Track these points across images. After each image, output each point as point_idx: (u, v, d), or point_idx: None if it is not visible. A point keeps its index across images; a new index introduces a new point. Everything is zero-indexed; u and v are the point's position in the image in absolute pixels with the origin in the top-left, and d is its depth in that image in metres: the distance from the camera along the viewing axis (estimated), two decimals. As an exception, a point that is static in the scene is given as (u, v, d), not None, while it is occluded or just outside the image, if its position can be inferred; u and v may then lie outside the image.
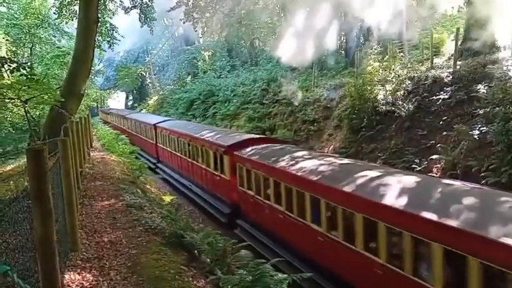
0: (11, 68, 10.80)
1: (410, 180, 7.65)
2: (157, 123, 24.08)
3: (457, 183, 7.50)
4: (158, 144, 23.66)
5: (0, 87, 11.95)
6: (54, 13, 20.73)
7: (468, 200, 6.22)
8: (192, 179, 17.95)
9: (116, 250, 6.45)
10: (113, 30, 21.76)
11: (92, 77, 29.80)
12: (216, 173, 14.82)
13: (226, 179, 13.99)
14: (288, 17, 28.00)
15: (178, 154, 19.61)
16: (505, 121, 10.93)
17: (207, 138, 15.97)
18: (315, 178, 8.98)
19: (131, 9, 20.92)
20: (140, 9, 20.58)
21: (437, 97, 14.55)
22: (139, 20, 21.26)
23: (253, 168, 11.85)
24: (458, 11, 23.55)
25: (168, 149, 21.39)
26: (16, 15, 24.88)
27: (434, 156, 12.90)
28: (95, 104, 52.28)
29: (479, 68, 14.12)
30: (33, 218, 3.49)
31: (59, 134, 9.06)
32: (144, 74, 48.93)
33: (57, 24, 24.28)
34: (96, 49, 17.46)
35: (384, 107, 16.03)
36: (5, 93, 12.33)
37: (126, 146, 23.40)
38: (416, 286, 6.18)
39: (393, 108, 15.62)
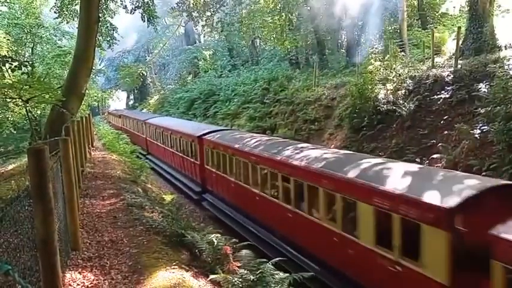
0: (13, 66, 10.78)
1: None
2: (204, 135, 16.40)
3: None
4: (207, 166, 16.04)
5: (1, 86, 11.97)
6: (55, 12, 20.71)
7: None
8: (296, 241, 9.83)
9: (117, 249, 6.46)
10: (113, 30, 21.75)
11: (93, 77, 29.76)
12: (382, 254, 6.86)
13: (429, 277, 5.97)
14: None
15: (256, 191, 11.77)
16: (506, 120, 10.94)
17: (359, 182, 7.53)
18: None
19: (135, 10, 20.88)
20: (143, 9, 20.54)
21: (438, 96, 14.54)
22: (142, 20, 21.20)
23: None
24: (460, 10, 23.55)
25: (231, 179, 13.62)
26: (17, 15, 24.91)
27: (435, 156, 12.89)
28: (96, 103, 52.27)
29: (481, 67, 14.10)
30: (34, 217, 3.50)
31: (60, 134, 9.07)
32: (145, 74, 48.91)
33: (57, 23, 24.27)
34: (97, 48, 17.46)
35: (384, 106, 16.02)
36: (6, 93, 12.35)
37: (127, 145, 23.44)
38: None
39: (394, 108, 15.61)
